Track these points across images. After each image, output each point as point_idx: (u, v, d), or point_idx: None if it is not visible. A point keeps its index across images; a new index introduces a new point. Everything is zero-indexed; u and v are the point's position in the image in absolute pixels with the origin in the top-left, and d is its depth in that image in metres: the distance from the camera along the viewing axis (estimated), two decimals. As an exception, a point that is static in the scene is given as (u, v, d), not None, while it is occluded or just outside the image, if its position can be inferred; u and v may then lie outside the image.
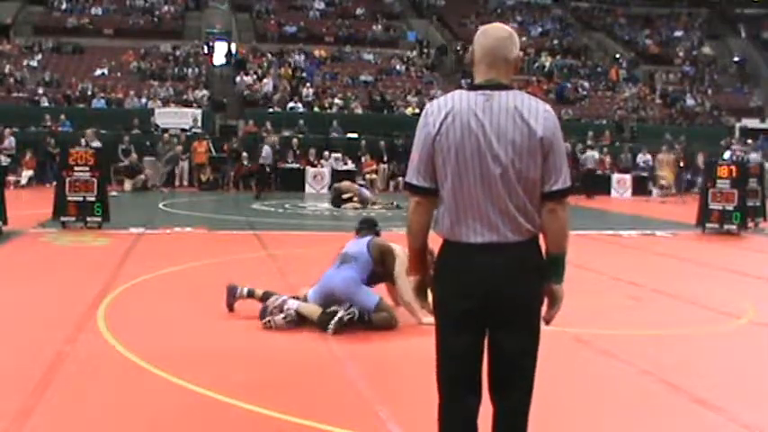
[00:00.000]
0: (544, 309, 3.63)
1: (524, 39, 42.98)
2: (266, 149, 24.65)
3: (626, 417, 5.46)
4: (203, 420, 5.15)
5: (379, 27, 41.66)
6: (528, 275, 3.51)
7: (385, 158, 29.02)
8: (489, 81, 3.53)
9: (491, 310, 3.49)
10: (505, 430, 3.63)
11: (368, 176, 27.76)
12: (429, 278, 3.69)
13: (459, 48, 41.35)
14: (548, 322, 3.67)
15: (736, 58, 47.50)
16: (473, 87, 3.57)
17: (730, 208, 17.00)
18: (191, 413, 5.28)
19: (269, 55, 36.92)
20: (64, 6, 39.45)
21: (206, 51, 38.48)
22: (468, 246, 3.49)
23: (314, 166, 27.84)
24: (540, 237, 3.57)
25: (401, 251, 7.69)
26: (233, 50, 38.33)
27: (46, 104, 30.63)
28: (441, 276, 3.61)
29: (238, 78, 34.32)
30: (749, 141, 33.02)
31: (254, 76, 34.30)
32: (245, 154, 27.42)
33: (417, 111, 31.85)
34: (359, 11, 43.14)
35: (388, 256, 7.81)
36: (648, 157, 30.81)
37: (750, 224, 17.83)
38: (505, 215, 3.46)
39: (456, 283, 3.52)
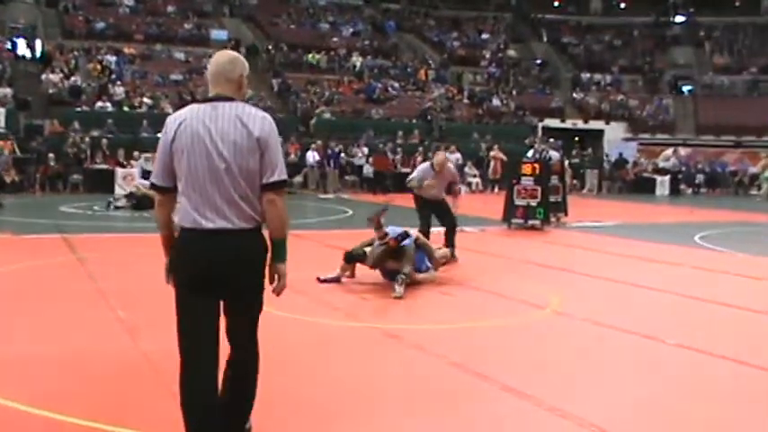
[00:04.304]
0: (270, 283, 4.37)
1: (336, 39, 43.35)
2: None
3: (438, 408, 5.59)
4: None
5: (190, 25, 41.05)
6: (251, 256, 4.25)
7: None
8: (217, 95, 4.29)
9: (221, 285, 4.19)
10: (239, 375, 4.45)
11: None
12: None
13: (270, 47, 41.24)
14: (278, 294, 4.41)
15: (538, 61, 49.39)
16: (204, 100, 4.32)
17: (534, 204, 17.71)
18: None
19: (76, 52, 35.77)
20: None
21: (9, 47, 36.80)
22: (203, 230, 4.15)
23: (123, 166, 27.15)
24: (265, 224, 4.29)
25: None
26: (38, 46, 36.86)
27: None
28: (179, 259, 4.28)
29: (44, 76, 33.04)
30: (551, 140, 34.41)
31: (61, 74, 33.11)
32: (51, 155, 26.51)
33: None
34: (169, 8, 42.42)
35: None
36: (458, 155, 31.60)
37: (552, 219, 18.63)
38: (231, 203, 4.15)
39: (191, 263, 4.20)
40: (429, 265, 10.59)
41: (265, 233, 4.35)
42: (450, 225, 12.62)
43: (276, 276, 4.35)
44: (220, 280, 4.18)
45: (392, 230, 10.19)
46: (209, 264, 4.16)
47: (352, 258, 10.34)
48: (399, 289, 9.56)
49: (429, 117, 37.01)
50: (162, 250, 4.45)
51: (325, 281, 10.26)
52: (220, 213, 4.14)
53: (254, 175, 4.17)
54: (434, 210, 12.67)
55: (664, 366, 6.84)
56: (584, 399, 5.84)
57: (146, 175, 24.51)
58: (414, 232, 10.69)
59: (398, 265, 9.97)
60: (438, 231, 12.59)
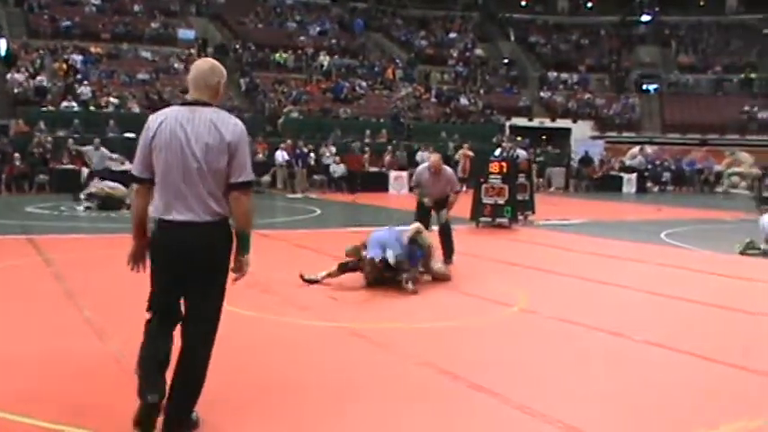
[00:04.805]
0: (233, 273, 4.82)
1: (303, 38, 43.26)
2: None
3: (405, 406, 5.61)
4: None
5: (157, 24, 40.82)
6: (214, 245, 4.68)
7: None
8: (196, 99, 4.75)
9: (188, 269, 4.67)
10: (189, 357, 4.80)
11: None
12: (146, 244, 4.84)
13: (237, 46, 41.10)
14: (235, 280, 4.86)
15: (505, 60, 49.58)
16: (184, 103, 4.80)
17: (501, 202, 17.79)
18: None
19: (42, 51, 35.44)
20: None
21: (-28, 46, 36.41)
22: (174, 222, 4.63)
23: (89, 166, 26.88)
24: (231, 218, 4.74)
25: None
26: (3, 46, 36.47)
27: None
28: (155, 245, 4.77)
29: (9, 75, 32.71)
30: (518, 138, 34.59)
31: (27, 74, 32.78)
32: (16, 155, 26.27)
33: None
34: (136, 7, 42.13)
35: None
36: (427, 153, 31.63)
37: (520, 217, 18.72)
38: (199, 199, 4.62)
39: (165, 249, 4.70)
40: (421, 269, 10.54)
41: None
42: (444, 227, 12.49)
43: (239, 265, 4.83)
44: (188, 265, 4.67)
45: (374, 252, 9.98)
46: (179, 251, 4.66)
47: (347, 269, 10.26)
48: (410, 285, 9.83)
49: (402, 119, 37.01)
50: (129, 242, 4.76)
51: (307, 281, 10.14)
52: (189, 207, 4.62)
53: (222, 174, 4.63)
54: (435, 206, 12.55)
55: (631, 363, 6.89)
56: (552, 396, 5.87)
57: (111, 175, 24.31)
58: (407, 232, 10.47)
59: (394, 275, 10.00)
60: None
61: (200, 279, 4.72)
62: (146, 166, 4.73)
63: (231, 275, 4.82)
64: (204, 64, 4.93)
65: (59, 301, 8.84)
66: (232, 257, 4.79)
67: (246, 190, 4.72)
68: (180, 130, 4.63)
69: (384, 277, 10.04)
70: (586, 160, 37.02)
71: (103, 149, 25.02)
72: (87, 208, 20.34)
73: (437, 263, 10.88)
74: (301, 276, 10.16)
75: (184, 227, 4.64)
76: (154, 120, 4.74)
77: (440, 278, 10.69)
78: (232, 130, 4.65)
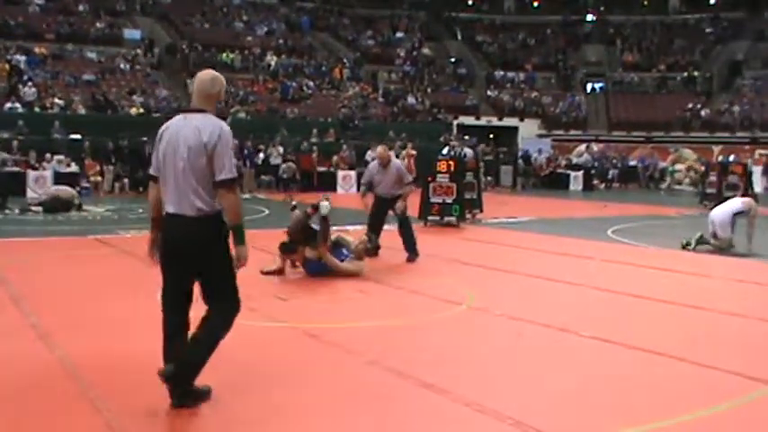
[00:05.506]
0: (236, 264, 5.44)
1: (250, 38, 43.07)
2: None
3: (355, 406, 5.63)
4: None
5: (102, 24, 40.37)
6: (193, 236, 5.28)
7: (113, 160, 28.16)
8: (194, 107, 5.45)
9: (180, 256, 5.33)
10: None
11: (92, 179, 26.90)
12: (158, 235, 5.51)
13: (184, 46, 40.79)
14: (236, 269, 5.50)
15: (452, 59, 49.78)
16: (185, 111, 5.53)
17: (449, 201, 17.86)
18: None
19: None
20: None
21: None
22: (168, 214, 5.36)
23: (35, 169, 26.56)
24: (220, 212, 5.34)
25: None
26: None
27: None
28: (161, 232, 5.45)
29: (-51, 77, 32.14)
30: (466, 137, 34.74)
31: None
32: (-42, 158, 25.82)
33: (142, 111, 31.28)
34: (81, 7, 41.63)
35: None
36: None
37: (468, 216, 18.80)
38: (185, 196, 5.26)
39: (163, 238, 5.41)
40: (346, 253, 11.03)
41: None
42: (405, 222, 12.63)
43: (236, 256, 5.41)
44: (177, 252, 5.33)
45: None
46: (170, 239, 5.36)
47: (287, 249, 10.84)
48: (348, 265, 10.77)
49: (355, 120, 36.96)
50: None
51: (268, 273, 10.67)
52: (177, 202, 5.29)
53: (204, 173, 5.24)
54: (390, 206, 12.63)
55: (579, 359, 6.96)
56: (502, 392, 5.92)
57: (59, 178, 24.03)
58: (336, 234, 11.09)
59: (314, 253, 10.63)
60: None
61: (189, 264, 5.34)
62: (156, 166, 5.45)
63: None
64: (206, 76, 5.51)
65: (3, 306, 8.69)
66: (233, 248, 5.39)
67: (229, 186, 5.28)
68: (175, 135, 5.31)
69: (305, 255, 10.82)
70: (527, 158, 37.24)
71: (2, 153, 24.49)
72: (24, 210, 20.06)
73: (354, 242, 11.46)
74: (261, 272, 10.62)
75: (173, 219, 5.32)
76: (162, 127, 5.47)
77: (367, 251, 11.65)
78: (210, 132, 5.22)
